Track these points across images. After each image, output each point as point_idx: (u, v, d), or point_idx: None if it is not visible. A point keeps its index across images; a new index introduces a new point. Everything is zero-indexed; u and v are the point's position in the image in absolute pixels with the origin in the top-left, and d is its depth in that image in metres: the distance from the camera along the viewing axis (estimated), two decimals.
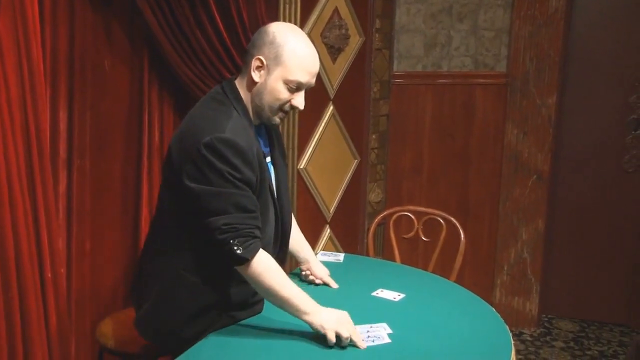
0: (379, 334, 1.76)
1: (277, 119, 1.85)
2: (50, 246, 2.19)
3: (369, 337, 1.74)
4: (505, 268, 3.89)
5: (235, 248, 1.67)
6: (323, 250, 3.29)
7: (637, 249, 3.79)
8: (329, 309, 1.74)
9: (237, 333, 1.78)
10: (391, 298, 2.05)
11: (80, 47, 2.39)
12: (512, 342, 1.81)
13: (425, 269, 2.61)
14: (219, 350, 1.69)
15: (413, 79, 3.90)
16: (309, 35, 2.35)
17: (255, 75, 1.79)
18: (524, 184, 3.77)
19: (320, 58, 1.87)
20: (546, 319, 4.01)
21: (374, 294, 2.08)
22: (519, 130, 3.74)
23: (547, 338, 3.77)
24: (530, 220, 3.79)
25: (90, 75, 2.45)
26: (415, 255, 3.76)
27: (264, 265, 1.72)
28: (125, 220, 2.67)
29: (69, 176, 2.43)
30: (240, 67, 1.95)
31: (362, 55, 3.58)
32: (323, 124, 3.39)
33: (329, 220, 3.55)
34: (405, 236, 3.04)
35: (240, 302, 1.84)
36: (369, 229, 3.12)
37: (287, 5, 2.95)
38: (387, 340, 1.74)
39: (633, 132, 3.73)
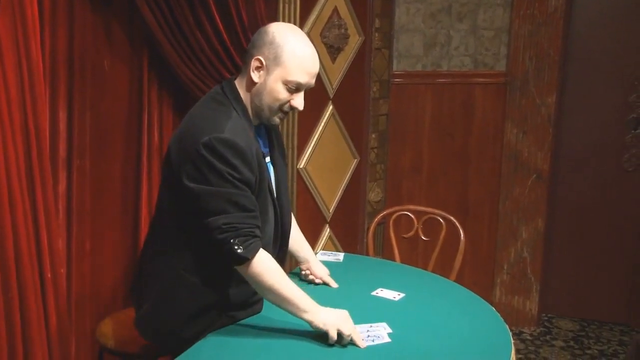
0: (378, 333, 1.76)
1: (276, 120, 1.85)
2: (50, 246, 2.19)
3: (368, 336, 1.74)
4: (505, 267, 3.89)
5: (236, 247, 1.67)
6: (323, 249, 3.29)
7: (637, 248, 3.79)
8: (329, 308, 1.74)
9: (236, 333, 1.78)
10: (391, 297, 2.05)
11: (79, 47, 2.39)
12: (512, 341, 1.81)
13: (425, 268, 2.61)
14: (218, 350, 1.69)
15: (412, 79, 3.91)
16: (309, 34, 2.35)
17: (255, 76, 1.79)
18: (523, 183, 3.77)
19: (319, 58, 1.87)
20: (546, 318, 4.01)
21: (373, 293, 2.08)
22: (518, 129, 3.74)
23: (547, 337, 3.78)
24: (530, 219, 3.79)
25: (90, 75, 2.45)
26: (415, 255, 3.76)
27: (264, 265, 1.72)
28: (125, 220, 2.67)
29: (68, 176, 2.43)
30: (240, 67, 1.95)
31: (361, 55, 3.58)
32: (323, 124, 3.39)
33: (328, 220, 3.55)
34: (405, 236, 3.04)
35: (240, 302, 1.84)
36: (368, 229, 3.12)
37: (287, 5, 2.95)
38: (387, 339, 1.74)
39: (633, 131, 3.73)
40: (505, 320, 1.95)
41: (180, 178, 1.71)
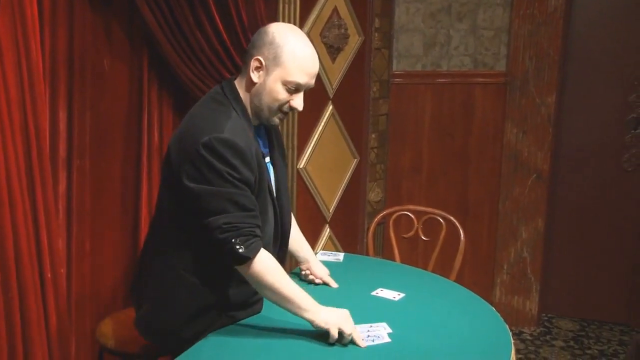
0: (379, 333, 1.76)
1: (276, 120, 1.85)
2: (50, 246, 2.19)
3: (369, 336, 1.74)
4: (505, 267, 3.89)
5: (237, 247, 1.67)
6: (323, 249, 3.29)
7: (637, 248, 3.79)
8: (329, 307, 1.74)
9: (236, 333, 1.78)
10: (391, 297, 2.05)
11: (79, 47, 2.39)
12: (512, 341, 1.81)
13: (425, 268, 2.61)
14: (218, 350, 1.69)
15: (412, 79, 3.91)
16: (308, 34, 2.35)
17: (254, 76, 1.79)
18: (523, 183, 3.77)
19: (319, 58, 1.87)
20: (546, 318, 4.01)
21: (373, 293, 2.08)
22: (518, 129, 3.74)
23: (547, 337, 3.78)
24: (530, 219, 3.79)
25: (90, 75, 2.45)
26: (415, 255, 3.76)
27: (265, 264, 1.72)
28: (125, 220, 2.67)
29: (68, 176, 2.43)
30: (240, 67, 1.95)
31: (361, 55, 3.58)
32: (322, 124, 3.39)
33: (328, 220, 3.55)
34: (405, 235, 3.04)
35: (240, 302, 1.84)
36: (368, 229, 3.12)
37: (287, 5, 2.95)
38: (387, 339, 1.74)
39: (632, 131, 3.73)
40: (505, 320, 1.95)
41: (180, 178, 1.71)
